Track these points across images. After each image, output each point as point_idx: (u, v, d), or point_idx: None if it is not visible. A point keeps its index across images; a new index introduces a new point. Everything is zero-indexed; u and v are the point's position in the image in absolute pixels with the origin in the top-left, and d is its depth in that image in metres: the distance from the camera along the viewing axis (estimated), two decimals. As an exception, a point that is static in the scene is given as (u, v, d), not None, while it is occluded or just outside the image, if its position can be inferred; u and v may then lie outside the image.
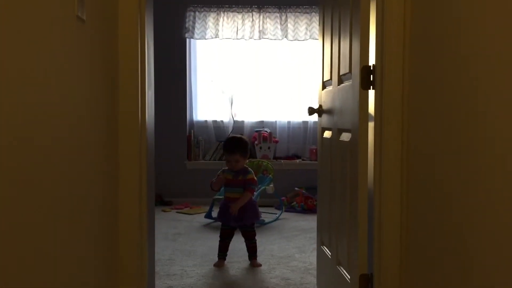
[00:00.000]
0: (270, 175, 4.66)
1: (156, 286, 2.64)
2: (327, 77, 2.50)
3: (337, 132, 2.28)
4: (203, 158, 5.44)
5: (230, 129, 5.43)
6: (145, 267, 2.11)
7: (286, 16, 5.32)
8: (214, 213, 4.07)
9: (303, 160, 5.45)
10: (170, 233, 4.03)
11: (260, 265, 3.18)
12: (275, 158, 5.40)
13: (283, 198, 5.00)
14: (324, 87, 2.58)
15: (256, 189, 3.56)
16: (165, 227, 4.21)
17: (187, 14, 5.30)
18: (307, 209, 4.90)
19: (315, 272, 2.91)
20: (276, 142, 5.42)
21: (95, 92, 1.71)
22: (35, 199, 1.18)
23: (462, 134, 1.38)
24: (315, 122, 5.23)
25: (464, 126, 1.36)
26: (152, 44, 2.26)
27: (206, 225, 4.36)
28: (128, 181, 2.03)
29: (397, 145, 1.86)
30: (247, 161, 3.42)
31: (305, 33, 5.32)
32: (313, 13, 5.28)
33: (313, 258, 3.19)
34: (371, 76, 1.93)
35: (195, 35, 5.32)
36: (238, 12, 5.32)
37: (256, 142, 5.30)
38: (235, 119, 5.46)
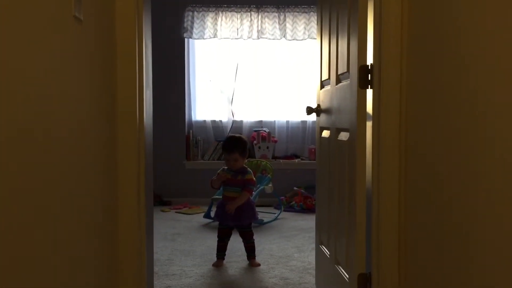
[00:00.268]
0: (269, 175, 4.66)
1: (155, 286, 2.64)
2: (325, 76, 2.50)
3: (335, 131, 2.28)
4: (202, 158, 5.44)
5: (229, 129, 5.43)
6: (143, 267, 2.11)
7: (285, 15, 5.32)
8: (213, 213, 4.07)
9: (302, 159, 5.45)
10: (169, 233, 4.03)
11: (259, 264, 3.19)
12: (274, 157, 5.40)
13: (282, 197, 5.00)
14: (322, 86, 2.58)
15: (254, 189, 3.56)
16: (164, 227, 4.21)
17: (186, 14, 5.30)
18: (306, 209, 4.90)
19: (314, 272, 2.91)
20: (275, 141, 5.42)
21: (93, 92, 1.71)
22: (34, 200, 1.18)
23: (461, 134, 1.38)
24: (314, 122, 5.23)
25: (463, 125, 1.36)
26: (150, 44, 2.26)
27: (205, 225, 4.36)
28: (126, 181, 2.03)
29: (395, 144, 1.86)
30: (246, 160, 3.43)
31: (304, 33, 5.32)
32: (312, 13, 5.29)
33: (312, 258, 3.20)
34: (369, 75, 1.93)
35: (194, 35, 5.32)
36: (236, 12, 5.32)
37: (255, 141, 5.30)
38: (233, 119, 5.46)
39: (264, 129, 5.43)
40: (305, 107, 2.65)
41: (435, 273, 1.55)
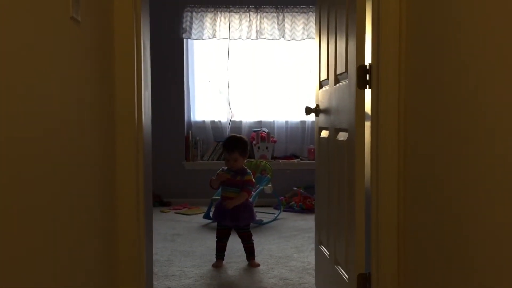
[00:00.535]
0: (268, 175, 4.65)
1: (155, 286, 2.64)
2: (324, 76, 2.50)
3: (334, 131, 2.28)
4: (201, 158, 5.44)
5: (228, 129, 5.43)
6: (143, 268, 2.11)
7: (283, 16, 5.32)
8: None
9: (301, 159, 5.45)
10: (168, 233, 4.02)
11: (259, 265, 3.18)
12: (273, 158, 5.40)
13: (282, 198, 5.00)
14: (321, 86, 2.58)
15: (253, 190, 3.55)
16: (163, 227, 4.21)
17: (184, 14, 5.30)
18: (306, 209, 4.90)
19: (313, 272, 2.91)
20: (274, 142, 5.42)
21: (92, 93, 1.71)
22: (34, 200, 1.18)
23: (461, 133, 1.37)
24: (313, 122, 5.22)
25: (463, 125, 1.36)
26: (149, 45, 2.26)
27: (205, 226, 4.36)
28: (125, 182, 2.03)
29: (393, 144, 1.86)
30: (245, 161, 3.42)
31: (302, 33, 5.32)
32: (310, 13, 5.28)
33: (311, 258, 3.19)
34: (368, 75, 1.93)
35: (193, 36, 5.32)
36: (235, 12, 5.32)
37: (254, 142, 5.30)
38: (233, 119, 5.46)
39: (263, 129, 5.43)
40: (304, 107, 2.64)
41: (435, 273, 1.55)
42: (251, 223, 3.43)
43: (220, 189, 3.44)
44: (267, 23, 5.32)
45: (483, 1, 1.26)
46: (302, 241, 3.81)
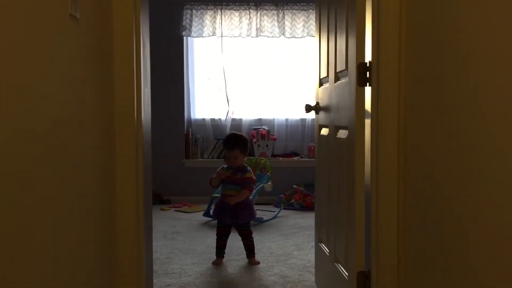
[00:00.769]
0: (268, 173, 4.65)
1: (155, 284, 2.64)
2: (324, 74, 2.49)
3: (334, 129, 2.27)
4: (201, 156, 5.44)
5: (228, 127, 5.42)
6: (143, 265, 2.11)
7: (283, 13, 5.31)
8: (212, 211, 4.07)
9: (301, 157, 5.44)
10: (168, 231, 4.02)
11: (259, 262, 3.18)
12: (273, 155, 5.40)
13: (282, 195, 5.00)
14: (321, 84, 2.58)
15: (254, 187, 3.55)
16: (163, 225, 4.21)
17: (184, 12, 5.29)
18: (306, 207, 4.90)
19: (313, 270, 2.91)
20: (274, 139, 5.42)
21: (91, 91, 1.70)
22: (33, 200, 1.18)
23: (461, 132, 1.37)
24: (313, 120, 5.23)
25: (463, 123, 1.35)
26: (148, 42, 2.25)
27: (205, 223, 4.36)
28: (125, 180, 2.03)
29: (393, 142, 1.86)
30: (246, 159, 3.42)
31: (303, 31, 5.31)
32: (310, 10, 5.27)
33: (311, 256, 3.19)
34: (368, 73, 1.92)
35: (192, 33, 5.31)
36: (235, 10, 5.31)
37: (254, 140, 5.29)
38: (232, 116, 5.46)
39: (264, 127, 5.43)
40: (304, 105, 2.64)
41: (435, 272, 1.55)
42: (251, 221, 3.43)
43: (220, 187, 3.44)
44: (267, 20, 5.31)
45: (483, 0, 1.26)
46: (302, 239, 3.81)
